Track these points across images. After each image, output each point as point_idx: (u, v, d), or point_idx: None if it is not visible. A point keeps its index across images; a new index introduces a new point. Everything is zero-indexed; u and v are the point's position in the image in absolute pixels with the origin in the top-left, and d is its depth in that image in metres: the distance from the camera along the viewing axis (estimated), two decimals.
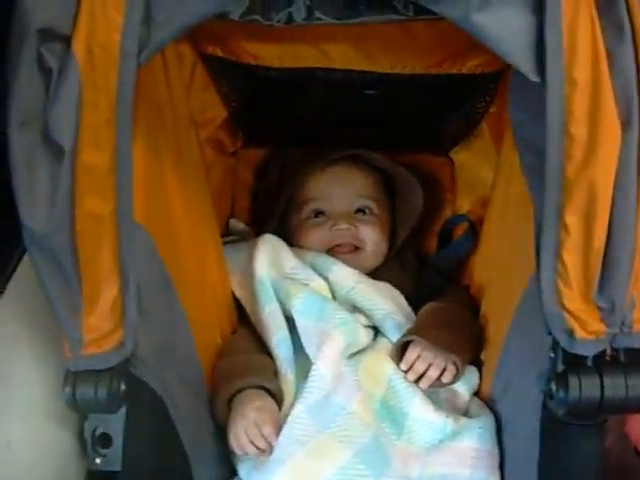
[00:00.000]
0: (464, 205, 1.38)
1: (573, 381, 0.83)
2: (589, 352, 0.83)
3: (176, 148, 1.05)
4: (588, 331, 0.81)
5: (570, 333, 0.81)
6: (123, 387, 0.86)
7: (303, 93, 1.19)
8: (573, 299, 0.81)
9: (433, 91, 1.17)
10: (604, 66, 0.75)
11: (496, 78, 1.14)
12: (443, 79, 1.12)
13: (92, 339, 0.82)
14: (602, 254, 0.79)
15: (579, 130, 0.76)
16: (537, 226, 0.86)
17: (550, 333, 0.84)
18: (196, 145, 1.15)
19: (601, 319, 0.81)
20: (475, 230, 1.30)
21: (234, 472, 1.06)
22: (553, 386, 0.85)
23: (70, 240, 0.79)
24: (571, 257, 0.80)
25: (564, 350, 0.83)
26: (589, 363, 0.84)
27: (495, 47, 0.76)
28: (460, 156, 1.38)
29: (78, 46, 0.75)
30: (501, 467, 1.02)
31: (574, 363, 0.84)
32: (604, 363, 0.84)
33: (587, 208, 0.78)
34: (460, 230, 1.35)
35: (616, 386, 0.82)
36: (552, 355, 0.86)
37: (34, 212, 0.78)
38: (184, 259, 1.04)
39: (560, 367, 0.84)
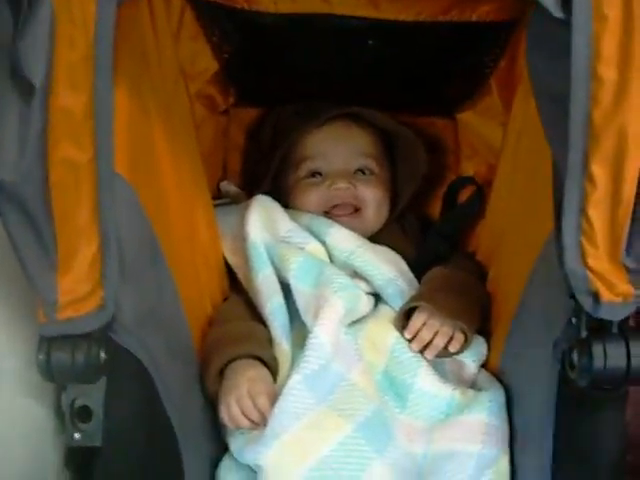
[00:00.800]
0: (468, 169, 1.31)
1: (597, 349, 0.76)
2: (615, 317, 0.76)
3: (164, 99, 0.98)
4: (615, 293, 0.75)
5: (595, 296, 0.75)
6: (103, 355, 0.79)
7: (300, 43, 1.10)
8: (599, 258, 0.74)
9: (439, 41, 1.08)
10: (637, 2, 0.68)
11: (507, 28, 1.06)
12: (450, 27, 1.03)
13: (68, 301, 0.75)
14: (631, 209, 0.73)
15: (608, 72, 0.69)
16: (557, 182, 0.79)
17: (572, 297, 0.77)
18: (186, 98, 1.07)
19: (628, 280, 0.75)
20: (482, 193, 1.22)
21: (225, 448, 0.99)
22: (575, 355, 0.79)
23: (42, 191, 0.72)
24: (597, 212, 0.73)
25: (588, 315, 0.76)
26: (614, 330, 0.77)
27: None
28: (465, 116, 1.30)
29: None
30: (510, 444, 0.95)
31: (598, 329, 0.77)
32: (630, 330, 0.77)
33: (616, 157, 0.71)
34: (465, 194, 1.27)
35: None
36: (574, 321, 0.79)
37: (2, 159, 0.70)
38: (172, 219, 0.97)
39: (583, 334, 0.78)
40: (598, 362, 0.76)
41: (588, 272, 0.74)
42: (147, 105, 0.91)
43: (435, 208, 1.32)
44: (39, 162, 0.70)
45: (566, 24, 0.70)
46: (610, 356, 0.76)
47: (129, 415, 0.85)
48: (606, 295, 0.74)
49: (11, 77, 0.69)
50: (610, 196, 0.72)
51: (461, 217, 1.24)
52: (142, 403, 0.86)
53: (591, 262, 0.74)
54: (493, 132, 1.22)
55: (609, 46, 0.68)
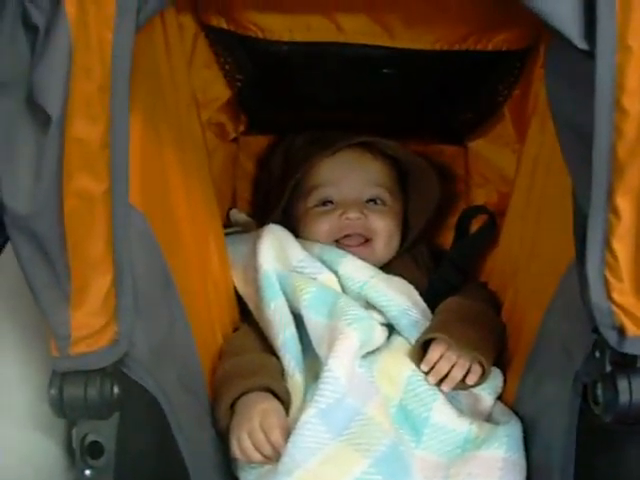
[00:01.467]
0: (479, 197, 1.30)
1: (622, 384, 0.75)
2: None
3: (177, 126, 0.97)
4: None
5: (620, 330, 0.73)
6: (116, 390, 0.77)
7: (314, 72, 1.09)
8: (624, 292, 0.73)
9: (455, 70, 1.07)
10: None
11: (523, 56, 1.05)
12: (467, 56, 1.02)
13: (82, 336, 0.73)
14: None
15: (633, 103, 0.68)
16: (578, 214, 0.78)
17: (595, 330, 0.75)
18: (198, 125, 1.06)
19: None
20: (494, 222, 1.21)
21: None
22: (599, 390, 0.77)
23: (57, 222, 0.70)
24: (622, 245, 0.72)
25: (612, 349, 0.75)
26: (639, 364, 0.75)
27: (537, 8, 0.67)
28: (476, 144, 1.29)
29: (69, 1, 0.66)
30: (528, 478, 0.93)
31: (622, 364, 0.76)
32: None
33: None
34: (477, 223, 1.26)
35: None
36: (597, 354, 0.77)
37: (16, 190, 0.69)
38: (184, 249, 0.95)
39: (607, 368, 0.76)
40: (624, 397, 0.74)
41: (613, 306, 0.73)
42: (160, 133, 0.90)
43: (446, 238, 1.32)
44: (54, 193, 0.69)
45: (589, 55, 0.69)
46: (636, 391, 0.74)
47: (141, 451, 0.84)
48: (632, 330, 0.73)
49: (27, 107, 0.68)
50: (635, 229, 0.71)
51: (474, 246, 1.22)
52: (154, 438, 0.85)
53: (616, 296, 0.73)
54: (505, 160, 1.22)
55: (633, 77, 0.67)
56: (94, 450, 0.81)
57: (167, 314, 0.87)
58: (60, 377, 0.75)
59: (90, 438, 0.81)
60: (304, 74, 1.11)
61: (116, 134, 0.71)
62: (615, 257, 0.72)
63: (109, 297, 0.73)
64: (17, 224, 0.70)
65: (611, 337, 0.74)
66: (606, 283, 0.73)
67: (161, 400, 0.82)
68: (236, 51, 1.08)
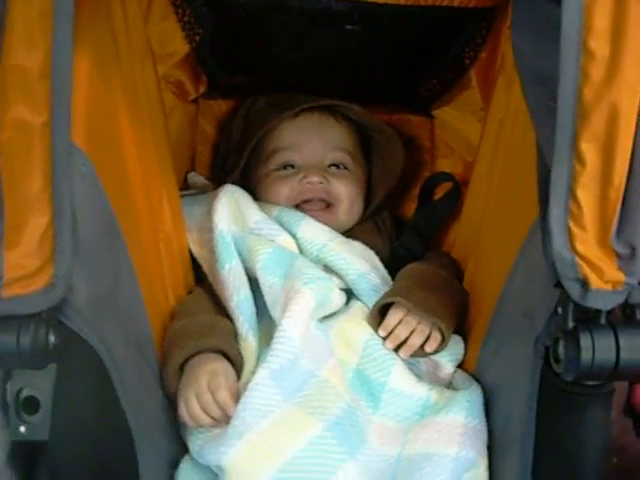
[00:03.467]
0: (444, 168, 1.28)
1: (585, 340, 0.72)
2: (605, 305, 0.71)
3: (130, 76, 0.93)
4: (604, 280, 0.70)
5: (584, 282, 0.70)
6: (53, 339, 0.72)
7: (275, 26, 1.05)
8: (588, 243, 0.70)
9: (421, 28, 1.04)
10: None
11: (490, 16, 1.03)
12: (432, 12, 0.99)
13: (14, 277, 0.68)
14: (622, 191, 0.69)
15: (599, 45, 0.66)
16: (541, 167, 0.76)
17: (557, 285, 0.73)
18: (154, 78, 1.02)
19: (619, 267, 0.71)
20: (459, 189, 1.18)
21: (185, 450, 0.92)
22: (561, 347, 0.74)
23: None
24: (586, 193, 0.69)
25: (575, 304, 0.72)
26: (602, 320, 0.72)
27: None
28: (442, 112, 1.27)
29: None
30: (488, 447, 0.90)
31: (585, 320, 0.73)
32: (618, 321, 0.73)
33: (606, 136, 0.67)
34: (441, 192, 1.23)
35: (633, 347, 0.72)
36: (559, 311, 0.74)
37: None
38: (134, 203, 0.91)
39: (570, 324, 0.73)
40: (586, 354, 0.71)
41: (576, 257, 0.70)
42: (111, 78, 0.86)
43: (409, 209, 1.28)
44: None
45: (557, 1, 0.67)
46: (598, 348, 0.71)
47: (80, 408, 0.78)
48: (595, 282, 0.70)
49: None
50: (600, 177, 0.68)
51: (437, 213, 1.19)
52: (95, 395, 0.79)
53: (580, 247, 0.70)
54: (471, 128, 1.20)
55: (601, 18, 0.65)
56: (29, 405, 0.76)
57: (112, 265, 0.83)
58: None
59: (25, 393, 0.76)
60: (264, 30, 1.07)
61: (57, 63, 0.67)
62: (579, 206, 0.69)
63: (46, 238, 0.69)
64: None
65: (574, 290, 0.71)
66: (570, 233, 0.70)
67: (102, 354, 0.78)
68: (195, 3, 1.04)
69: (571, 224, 0.70)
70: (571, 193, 0.69)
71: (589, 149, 0.68)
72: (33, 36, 0.65)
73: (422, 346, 0.96)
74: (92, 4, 0.79)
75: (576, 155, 0.68)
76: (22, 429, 0.77)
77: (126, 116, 0.90)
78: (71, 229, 0.70)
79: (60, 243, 0.69)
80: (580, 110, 0.67)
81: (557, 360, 0.75)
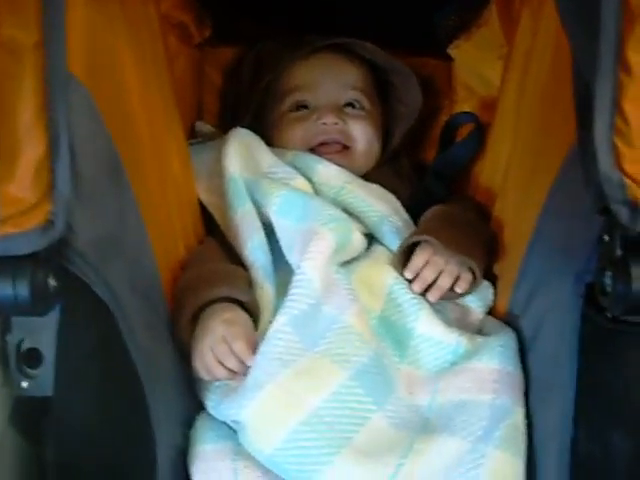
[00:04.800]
0: (464, 110, 1.20)
1: (636, 269, 0.65)
2: None
3: (131, 9, 0.86)
4: None
5: (633, 204, 0.64)
6: (53, 282, 0.66)
7: None
8: (637, 161, 0.64)
9: None
10: None
11: None
12: None
13: (8, 214, 0.62)
14: None
15: None
16: (580, 84, 0.69)
17: (603, 212, 0.66)
18: (155, 15, 0.95)
19: None
20: (481, 129, 1.12)
21: (200, 407, 0.87)
22: (607, 278, 0.68)
23: None
24: (634, 107, 0.63)
25: (624, 229, 0.65)
26: None
27: None
28: (460, 52, 1.19)
29: None
30: (526, 394, 0.85)
31: (635, 248, 0.66)
32: None
33: None
34: (462, 134, 1.16)
35: None
36: (607, 239, 0.68)
37: None
38: (139, 144, 0.85)
39: (618, 252, 0.67)
40: (637, 284, 0.65)
41: (625, 177, 0.64)
42: (111, 9, 0.79)
43: (430, 155, 1.22)
44: None
45: None
46: None
47: (86, 360, 0.72)
48: None
49: None
50: None
51: (459, 156, 1.13)
52: (102, 346, 0.74)
53: (628, 166, 0.64)
54: (491, 67, 1.13)
55: None
56: (31, 358, 0.71)
57: (116, 205, 0.76)
58: None
59: (27, 345, 0.71)
60: None
61: None
62: (626, 121, 0.63)
63: (42, 170, 0.63)
64: None
65: (623, 213, 0.64)
66: (616, 152, 0.64)
67: (109, 301, 0.72)
68: None
69: (617, 141, 0.63)
70: (617, 107, 0.63)
71: (637, 58, 0.61)
72: None
73: (451, 288, 0.90)
74: None
75: (622, 65, 0.62)
76: (24, 384, 0.71)
77: (128, 51, 0.84)
78: (69, 162, 0.64)
79: (58, 177, 0.63)
80: (627, 14, 0.61)
81: (604, 292, 0.69)
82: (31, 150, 0.62)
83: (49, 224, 0.64)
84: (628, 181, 0.64)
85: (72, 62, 0.66)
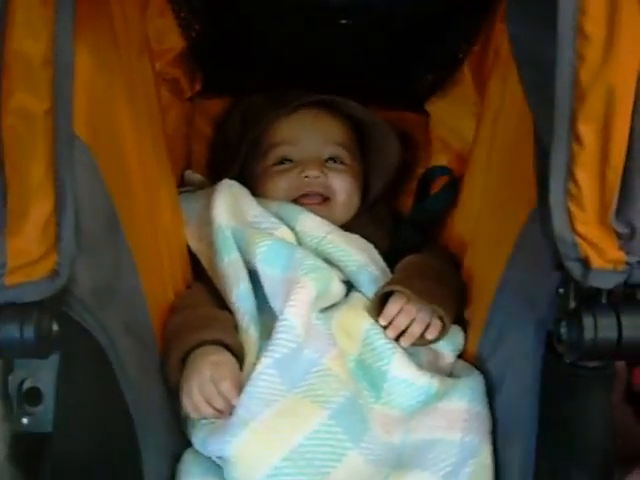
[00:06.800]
0: (439, 163, 1.27)
1: (588, 320, 0.72)
2: (606, 284, 0.71)
3: (128, 71, 0.93)
4: (605, 259, 0.70)
5: (585, 262, 0.71)
6: (55, 327, 0.72)
7: (270, 22, 1.06)
8: (588, 223, 0.70)
9: (413, 23, 1.05)
10: None
11: (483, 9, 1.04)
12: (426, 6, 1.00)
13: (18, 265, 0.68)
14: (621, 171, 0.69)
15: (595, 28, 0.66)
16: (539, 151, 0.76)
17: (559, 267, 0.73)
18: (151, 74, 1.02)
19: (619, 246, 0.71)
20: (455, 182, 1.19)
21: (187, 443, 0.92)
22: (563, 327, 0.74)
23: None
24: (585, 174, 0.70)
25: (577, 284, 0.72)
26: (604, 300, 0.73)
27: None
28: (436, 108, 1.26)
29: None
30: (492, 433, 0.90)
31: (587, 299, 0.73)
32: (619, 301, 0.73)
33: (604, 117, 0.68)
34: (437, 186, 1.23)
35: (635, 326, 0.72)
36: (561, 291, 0.75)
37: None
38: (133, 195, 0.91)
39: (572, 304, 0.74)
40: (588, 333, 0.71)
41: (577, 238, 0.70)
42: (110, 71, 0.86)
43: (406, 204, 1.28)
44: None
45: None
46: (600, 327, 0.71)
47: (83, 399, 0.78)
48: (596, 261, 0.70)
49: None
50: (599, 157, 0.69)
51: (434, 207, 1.19)
52: (98, 386, 0.79)
53: (580, 227, 0.70)
54: (465, 123, 1.20)
55: (595, 2, 0.66)
56: (32, 397, 0.76)
57: (112, 256, 0.82)
58: None
59: (28, 384, 0.76)
60: (259, 26, 1.07)
61: (59, 51, 0.67)
62: (578, 186, 0.70)
63: (49, 225, 0.69)
64: None
65: (575, 270, 0.71)
66: (569, 214, 0.70)
67: (104, 344, 0.78)
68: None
69: (571, 205, 0.70)
70: (570, 174, 0.70)
71: (587, 130, 0.68)
72: (35, 23, 0.65)
73: (423, 334, 0.96)
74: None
75: (574, 136, 0.69)
76: (25, 421, 0.76)
77: (125, 110, 0.90)
78: (73, 217, 0.70)
79: (63, 230, 0.69)
80: (577, 92, 0.67)
81: (560, 341, 0.75)
82: (40, 207, 0.68)
83: (55, 274, 0.69)
84: (580, 241, 0.70)
85: (76, 124, 0.72)
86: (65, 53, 0.67)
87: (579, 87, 0.67)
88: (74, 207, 0.70)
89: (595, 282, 0.71)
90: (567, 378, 0.79)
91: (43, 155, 0.68)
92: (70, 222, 0.70)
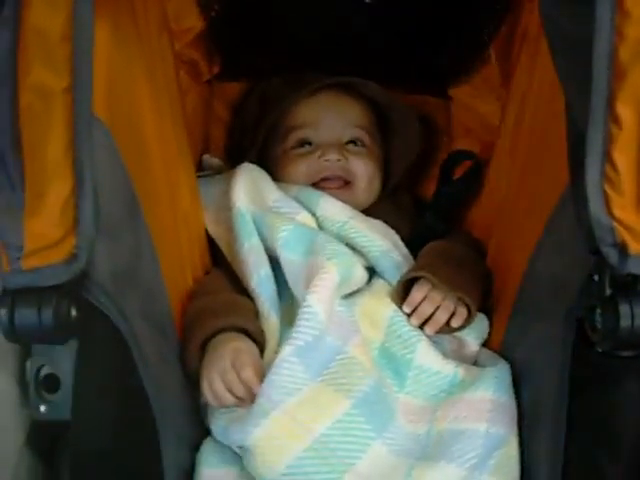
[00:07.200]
0: (463, 147, 1.24)
1: (624, 308, 0.70)
2: None
3: (148, 51, 0.91)
4: None
5: (622, 247, 0.68)
6: (74, 312, 0.70)
7: (290, 3, 1.03)
8: (625, 207, 0.68)
9: (436, 3, 1.02)
10: None
11: None
12: None
13: (36, 248, 0.67)
14: None
15: (635, 5, 0.64)
16: (572, 133, 0.74)
17: (594, 252, 0.70)
18: (170, 54, 1.00)
19: None
20: (480, 167, 1.16)
21: (206, 432, 0.90)
22: (597, 315, 0.72)
23: (10, 116, 0.63)
24: (623, 156, 0.67)
25: (612, 270, 0.70)
26: None
27: None
28: (460, 92, 1.23)
29: None
30: (518, 423, 0.88)
31: (623, 286, 0.71)
32: None
33: None
34: (460, 171, 1.20)
35: None
36: (596, 278, 0.72)
37: None
38: (153, 178, 0.89)
39: (607, 292, 0.71)
40: (625, 321, 0.69)
41: (614, 222, 0.68)
42: (130, 53, 0.84)
43: (429, 190, 1.25)
44: (8, 83, 0.63)
45: None
46: (637, 315, 0.69)
47: (102, 385, 0.76)
48: (634, 247, 0.68)
49: None
50: (638, 138, 0.66)
51: (457, 192, 1.17)
52: (116, 372, 0.77)
53: (617, 211, 0.68)
54: (489, 107, 1.17)
55: None
56: (50, 384, 0.74)
57: (132, 240, 0.80)
58: (11, 295, 0.68)
59: (46, 370, 0.74)
60: (278, 7, 1.04)
61: (78, 26, 0.65)
62: (616, 169, 0.67)
63: (68, 207, 0.67)
64: None
65: (612, 256, 0.69)
66: (606, 198, 0.68)
67: (124, 330, 0.76)
68: None
69: (607, 188, 0.68)
70: (607, 156, 0.67)
71: (626, 111, 0.66)
72: None
73: (448, 322, 0.94)
74: None
75: (612, 117, 0.66)
76: (42, 408, 0.75)
77: (145, 90, 0.88)
78: (93, 198, 0.68)
79: (82, 212, 0.67)
80: (616, 71, 0.65)
81: (593, 329, 0.73)
82: (58, 188, 0.66)
83: (73, 257, 0.68)
84: (618, 226, 0.68)
85: (95, 104, 0.70)
86: (85, 29, 0.66)
87: (618, 66, 0.65)
88: (93, 189, 0.69)
89: (632, 268, 0.68)
90: (598, 367, 0.76)
91: (61, 134, 0.66)
92: (89, 205, 0.68)
